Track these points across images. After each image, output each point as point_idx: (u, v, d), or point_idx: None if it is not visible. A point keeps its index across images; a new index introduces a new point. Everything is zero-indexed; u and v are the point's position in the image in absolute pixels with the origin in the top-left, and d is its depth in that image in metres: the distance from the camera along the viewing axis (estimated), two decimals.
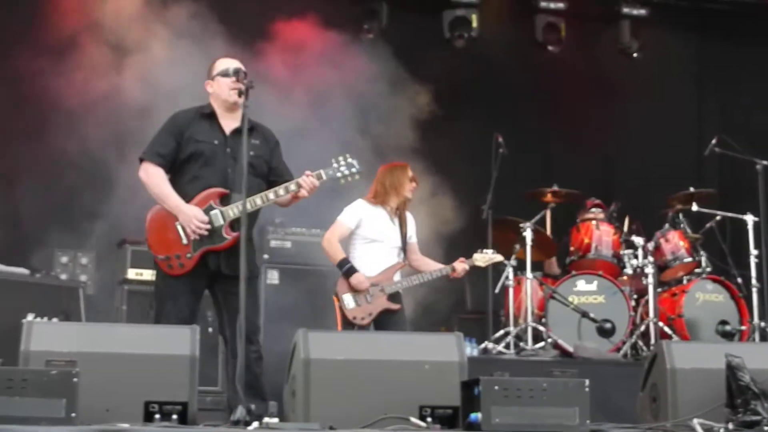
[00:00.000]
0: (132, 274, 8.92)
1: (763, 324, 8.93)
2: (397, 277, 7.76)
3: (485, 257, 8.15)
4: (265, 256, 9.17)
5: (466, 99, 10.99)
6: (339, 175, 6.50)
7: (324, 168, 6.45)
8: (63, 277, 9.23)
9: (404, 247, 7.84)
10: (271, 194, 6.26)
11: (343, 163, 6.52)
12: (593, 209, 9.74)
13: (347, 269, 7.61)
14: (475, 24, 11.12)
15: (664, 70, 11.48)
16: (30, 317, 7.33)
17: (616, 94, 11.24)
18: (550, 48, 11.46)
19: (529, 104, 11.22)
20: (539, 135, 11.20)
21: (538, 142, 11.15)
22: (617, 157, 11.32)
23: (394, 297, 7.71)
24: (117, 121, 8.95)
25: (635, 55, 11.50)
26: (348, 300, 7.60)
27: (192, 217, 6.15)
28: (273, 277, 9.22)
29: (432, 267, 7.92)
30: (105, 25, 9.27)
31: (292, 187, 6.31)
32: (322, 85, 9.96)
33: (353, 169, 6.53)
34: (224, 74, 6.38)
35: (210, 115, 6.40)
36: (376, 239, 7.74)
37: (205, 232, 6.15)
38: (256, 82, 5.99)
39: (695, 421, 4.76)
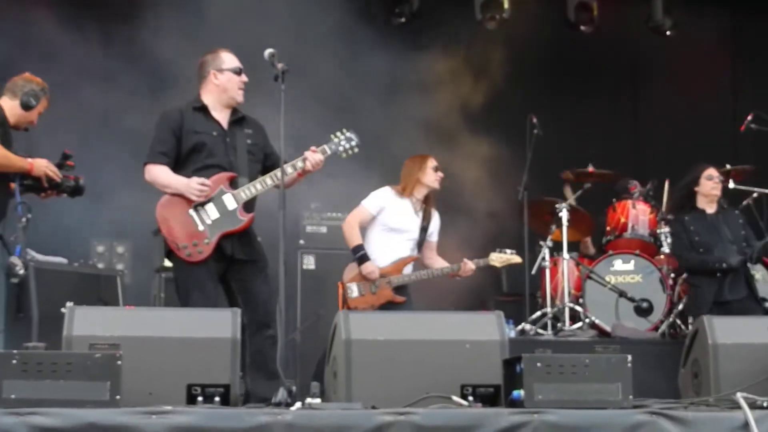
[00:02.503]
0: (168, 261, 8.93)
1: None
2: (407, 270, 7.78)
3: (502, 257, 8.15)
4: (301, 242, 9.21)
5: (499, 80, 10.95)
6: (341, 149, 6.56)
7: (325, 144, 6.52)
8: (100, 266, 9.30)
9: (421, 242, 7.84)
10: (268, 179, 6.28)
11: (342, 137, 6.59)
12: (629, 188, 9.69)
13: (360, 256, 7.67)
14: (506, 5, 11.09)
15: (697, 47, 11.39)
16: (69, 306, 7.37)
17: (649, 73, 11.19)
18: (582, 28, 11.40)
19: (562, 84, 11.19)
20: (573, 115, 11.16)
21: (572, 122, 11.10)
22: (652, 136, 11.25)
23: (400, 289, 7.74)
24: None
25: (668, 32, 11.42)
26: (352, 289, 7.64)
27: (190, 183, 6.17)
28: (309, 262, 9.27)
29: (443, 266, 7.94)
30: None
31: (300, 164, 6.35)
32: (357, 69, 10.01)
33: (353, 143, 6.60)
34: (236, 71, 6.43)
35: (202, 109, 6.41)
36: (396, 229, 7.78)
37: (208, 190, 6.16)
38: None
39: (739, 394, 4.71)
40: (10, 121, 6.34)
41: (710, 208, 8.46)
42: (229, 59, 6.47)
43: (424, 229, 7.86)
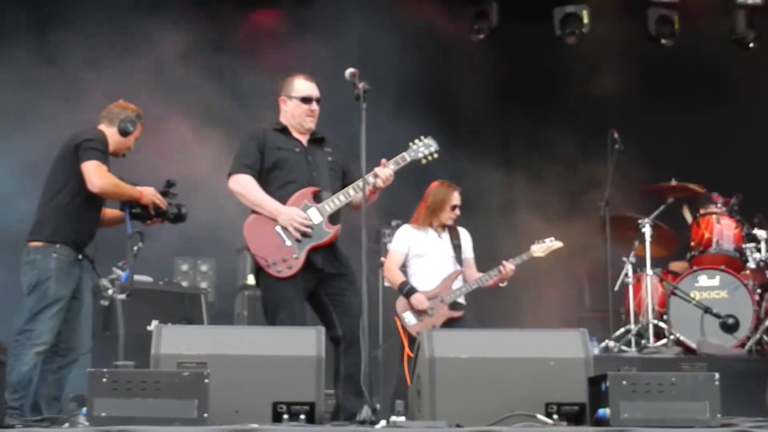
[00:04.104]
0: (252, 279, 9.00)
1: None
2: (456, 285, 7.79)
3: (543, 246, 8.10)
4: (382, 259, 9.22)
5: (580, 95, 10.92)
6: (420, 155, 6.60)
7: (405, 152, 6.54)
8: (184, 284, 9.42)
9: (459, 257, 7.86)
10: (351, 189, 6.32)
11: (421, 144, 6.62)
12: (714, 203, 9.57)
13: (408, 290, 7.74)
14: (586, 20, 11.06)
15: None
16: (155, 324, 7.49)
17: (732, 86, 11.04)
18: (663, 41, 11.30)
19: (643, 99, 11.10)
20: (655, 129, 11.04)
21: (654, 137, 10.99)
22: (736, 150, 11.07)
23: (455, 305, 7.75)
24: None
25: (751, 45, 11.27)
26: (409, 318, 7.69)
27: (293, 215, 6.21)
28: None
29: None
30: None
31: (370, 178, 6.33)
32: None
33: (432, 149, 6.63)
34: (303, 100, 6.49)
35: (283, 130, 6.49)
36: (427, 254, 7.84)
37: (308, 229, 6.21)
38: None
39: None
40: (110, 149, 6.48)
41: None
42: (300, 87, 6.53)
43: (457, 247, 7.89)
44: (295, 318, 6.15)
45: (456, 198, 7.93)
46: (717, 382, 4.85)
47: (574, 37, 11.12)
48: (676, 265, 9.64)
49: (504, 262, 7.92)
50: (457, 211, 7.95)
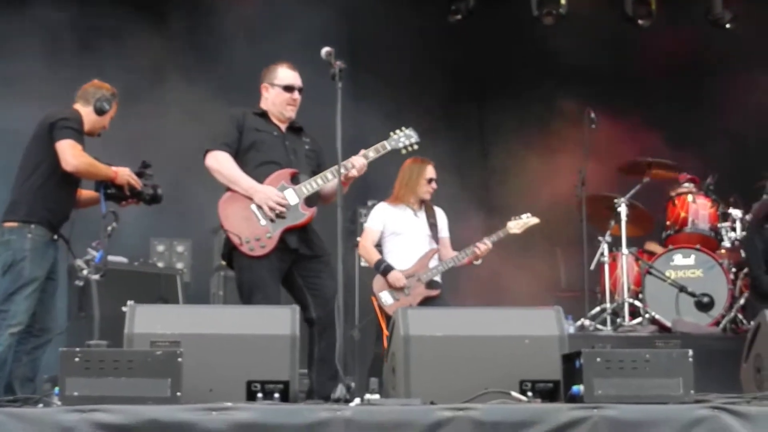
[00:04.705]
0: (228, 263, 8.99)
1: None
2: (432, 263, 7.79)
3: (520, 223, 8.12)
4: (358, 239, 9.21)
5: (556, 75, 10.92)
6: (401, 145, 6.67)
7: (385, 141, 6.60)
8: (160, 265, 9.39)
9: (435, 236, 7.86)
10: (329, 173, 6.33)
11: (402, 134, 6.69)
12: (688, 183, 9.60)
13: (384, 268, 7.73)
14: (563, 0, 11.03)
15: (758, 41, 11.23)
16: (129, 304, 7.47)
17: (708, 67, 11.06)
18: (640, 22, 11.29)
19: (620, 79, 11.10)
20: (631, 109, 11.05)
21: (630, 117, 11.00)
22: (712, 130, 11.10)
23: (432, 284, 7.75)
24: None
25: (728, 26, 11.27)
26: (385, 297, 7.68)
27: (269, 194, 6.20)
28: None
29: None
30: None
31: (348, 165, 6.34)
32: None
33: (412, 139, 6.71)
34: (285, 88, 6.49)
35: (262, 114, 6.50)
36: (403, 232, 7.82)
37: (284, 208, 6.20)
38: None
39: None
40: (85, 128, 6.44)
41: None
42: (282, 75, 6.53)
43: (433, 225, 7.89)
44: (270, 299, 6.14)
45: (431, 171, 7.92)
46: (690, 359, 4.86)
47: (551, 18, 11.09)
48: (651, 245, 9.67)
49: (483, 240, 7.93)
50: (434, 185, 7.93)
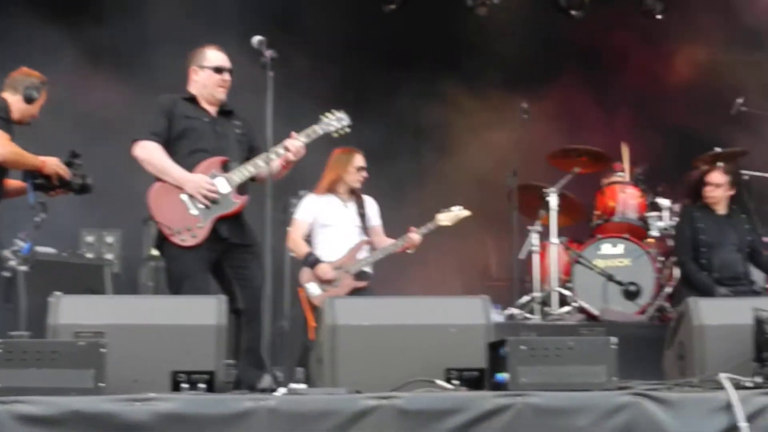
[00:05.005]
0: (159, 252, 8.91)
1: None
2: (361, 255, 7.81)
3: (450, 215, 8.13)
4: (289, 230, 9.19)
5: (490, 66, 10.97)
6: (332, 128, 6.65)
7: (315, 125, 6.56)
8: (89, 256, 9.30)
9: (364, 226, 7.87)
10: (260, 160, 6.27)
11: (333, 117, 6.66)
12: (618, 173, 9.70)
13: (311, 261, 7.74)
14: None
15: (689, 31, 11.35)
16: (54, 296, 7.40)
17: (641, 57, 11.16)
18: (573, 13, 11.37)
19: (553, 69, 11.18)
20: (565, 100, 11.14)
21: (563, 108, 11.09)
22: (644, 120, 11.22)
23: (360, 275, 7.78)
24: None
25: (659, 16, 11.38)
26: (313, 288, 7.69)
27: (200, 182, 6.17)
28: None
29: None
30: None
31: (281, 150, 6.34)
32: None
33: (344, 123, 6.69)
34: (216, 70, 6.44)
35: (191, 99, 6.44)
36: (332, 224, 7.84)
37: (216, 196, 6.17)
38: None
39: (722, 375, 4.73)
40: (14, 116, 6.35)
41: (721, 209, 8.39)
42: (212, 56, 6.48)
43: (363, 216, 7.91)
44: (199, 289, 6.10)
45: (360, 159, 7.93)
46: (613, 346, 4.90)
47: (485, 8, 11.14)
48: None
49: (411, 229, 7.95)
50: (364, 173, 7.93)
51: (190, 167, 6.24)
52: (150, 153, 6.23)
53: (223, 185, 6.23)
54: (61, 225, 9.12)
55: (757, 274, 8.57)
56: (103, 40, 10.18)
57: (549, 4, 11.40)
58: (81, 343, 4.61)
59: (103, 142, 8.80)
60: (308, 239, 7.93)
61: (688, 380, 5.22)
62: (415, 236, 7.90)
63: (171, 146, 6.30)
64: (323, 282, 7.67)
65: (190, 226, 6.14)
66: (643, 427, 4.53)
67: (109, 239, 9.72)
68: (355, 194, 7.97)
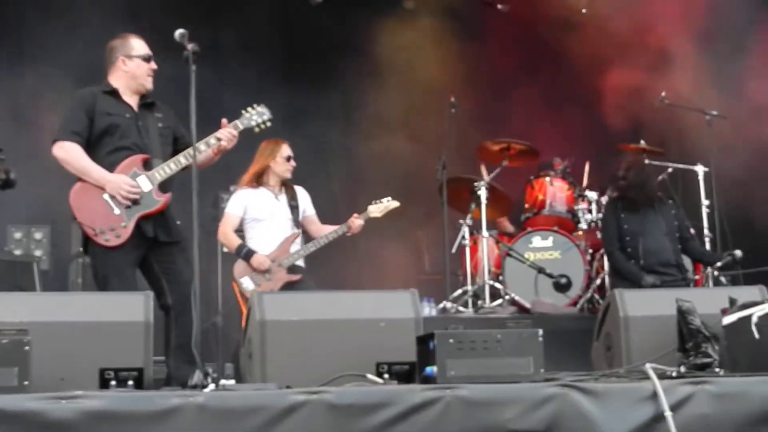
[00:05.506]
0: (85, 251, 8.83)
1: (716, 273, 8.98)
2: (294, 248, 7.80)
3: (380, 207, 8.16)
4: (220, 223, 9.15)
5: (416, 59, 11.00)
6: (253, 123, 6.59)
7: (237, 120, 6.51)
8: (17, 252, 9.18)
9: (296, 219, 7.88)
10: (183, 157, 6.21)
11: (254, 112, 6.61)
12: (554, 165, 9.78)
13: (245, 253, 7.72)
14: None
15: (612, 26, 11.44)
16: None
17: (565, 51, 11.23)
18: (499, 6, 11.44)
19: (481, 63, 11.23)
20: (492, 93, 11.20)
21: (491, 101, 11.15)
22: (570, 113, 11.30)
23: (294, 269, 7.78)
24: None
25: (584, 10, 11.47)
26: (246, 282, 7.68)
27: (120, 183, 6.11)
28: None
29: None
30: None
31: (212, 141, 6.32)
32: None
33: (265, 117, 6.63)
34: (145, 59, 6.38)
35: (112, 93, 6.35)
36: (264, 218, 7.83)
37: (137, 196, 6.12)
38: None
39: (648, 365, 4.78)
40: None
41: (643, 198, 8.45)
42: (138, 45, 6.41)
43: (294, 208, 7.90)
44: (126, 286, 6.05)
45: (286, 149, 7.92)
46: (540, 339, 4.92)
47: (411, 1, 11.18)
48: (502, 222, 9.87)
49: (354, 216, 7.93)
50: (293, 162, 7.92)
51: (112, 165, 6.18)
52: (68, 153, 6.16)
53: (145, 183, 6.17)
54: None
55: (689, 264, 8.72)
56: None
57: None
58: (4, 340, 4.52)
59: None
60: (241, 234, 7.89)
61: (615, 371, 5.28)
62: (357, 221, 7.90)
63: (92, 144, 6.23)
64: (256, 276, 7.63)
65: (113, 225, 6.09)
66: (570, 418, 4.56)
67: (38, 235, 9.62)
68: (286, 186, 7.94)
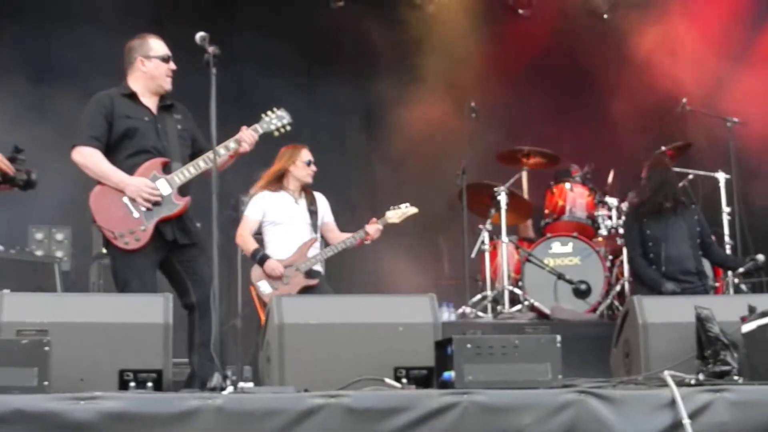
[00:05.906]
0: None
1: (736, 280, 8.95)
2: (311, 252, 7.80)
3: (398, 212, 8.13)
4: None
5: (438, 64, 10.99)
6: (273, 127, 6.57)
7: (256, 123, 6.50)
8: (38, 253, 9.22)
9: (315, 224, 7.88)
10: (202, 161, 6.19)
11: (273, 116, 6.58)
12: (571, 171, 9.76)
13: (260, 258, 7.72)
14: None
15: (634, 30, 11.43)
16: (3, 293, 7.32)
17: (587, 56, 11.22)
18: (520, 11, 11.44)
19: (501, 68, 11.22)
20: (513, 99, 11.19)
21: (511, 107, 11.14)
22: (591, 119, 11.29)
23: (311, 273, 7.77)
24: None
25: (605, 16, 11.47)
26: (264, 286, 7.67)
27: (141, 186, 6.10)
28: None
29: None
30: None
31: (232, 144, 6.31)
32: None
33: (284, 120, 6.60)
34: (164, 59, 6.37)
35: (131, 96, 6.34)
36: (283, 222, 7.82)
37: (158, 198, 6.12)
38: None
39: (666, 373, 4.77)
40: None
41: (667, 201, 8.38)
42: (157, 46, 6.39)
43: (313, 213, 7.91)
44: (146, 288, 6.05)
45: (306, 154, 7.91)
46: (558, 344, 4.93)
47: (433, 5, 11.19)
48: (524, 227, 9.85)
49: (366, 227, 7.92)
50: (313, 167, 7.92)
51: (131, 168, 6.17)
52: (87, 158, 6.16)
53: (164, 187, 6.17)
54: (10, 221, 9.08)
55: (710, 270, 8.69)
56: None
57: (497, 2, 11.46)
58: (24, 341, 4.56)
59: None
60: (260, 238, 7.90)
61: (633, 378, 5.27)
62: (374, 228, 7.89)
63: (112, 148, 6.21)
64: (273, 279, 7.65)
65: (132, 229, 6.09)
66: (588, 425, 4.56)
67: (59, 236, 9.66)
68: (305, 191, 7.95)
